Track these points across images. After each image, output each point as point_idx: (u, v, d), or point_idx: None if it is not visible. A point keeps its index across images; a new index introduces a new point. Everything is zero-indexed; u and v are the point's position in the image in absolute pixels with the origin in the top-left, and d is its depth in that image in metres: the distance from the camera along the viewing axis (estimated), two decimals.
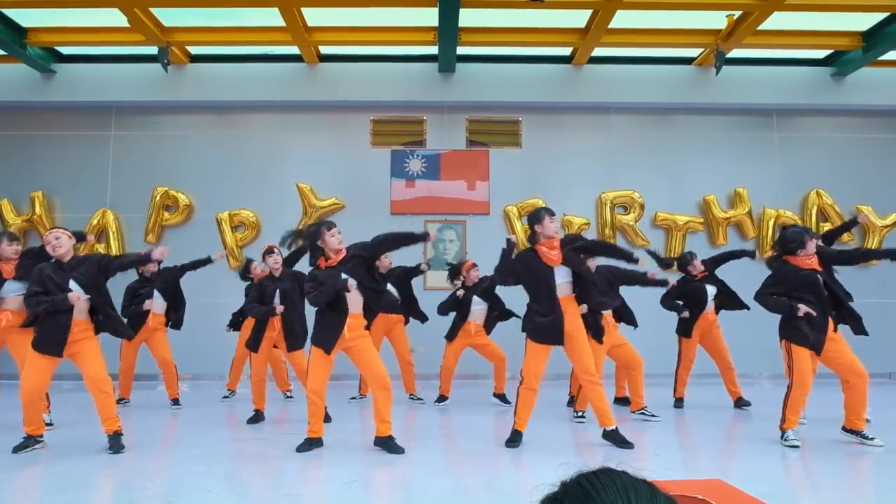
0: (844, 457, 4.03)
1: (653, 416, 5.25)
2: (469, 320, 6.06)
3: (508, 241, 4.53)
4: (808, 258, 4.42)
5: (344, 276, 4.07)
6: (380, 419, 4.11)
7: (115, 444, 4.08)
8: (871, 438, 4.26)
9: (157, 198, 8.39)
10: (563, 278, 4.33)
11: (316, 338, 4.17)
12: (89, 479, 3.55)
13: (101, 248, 8.29)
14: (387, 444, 4.08)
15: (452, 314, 6.19)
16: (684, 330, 5.95)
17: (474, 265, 6.23)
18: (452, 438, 4.80)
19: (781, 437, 4.30)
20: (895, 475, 3.65)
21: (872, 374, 8.84)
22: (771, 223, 8.54)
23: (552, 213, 4.45)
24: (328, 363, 4.20)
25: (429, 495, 3.31)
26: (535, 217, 4.43)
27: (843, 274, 8.69)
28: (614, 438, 4.23)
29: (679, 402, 5.98)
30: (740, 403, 5.87)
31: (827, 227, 8.60)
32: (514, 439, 4.30)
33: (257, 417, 5.31)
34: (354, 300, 4.18)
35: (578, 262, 4.43)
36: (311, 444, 4.21)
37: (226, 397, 6.52)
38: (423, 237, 4.36)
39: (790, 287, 4.36)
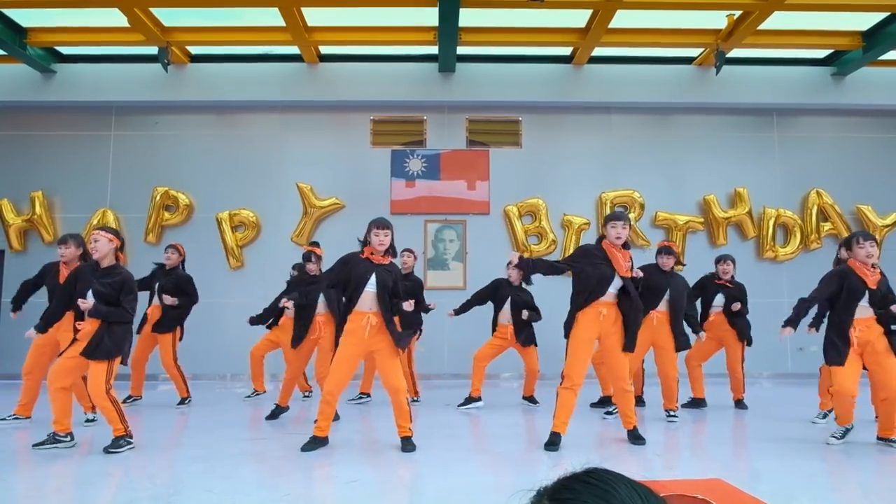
0: (845, 457, 4.03)
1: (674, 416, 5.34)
2: (500, 322, 6.01)
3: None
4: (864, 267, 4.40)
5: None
6: (397, 422, 4.25)
7: (113, 444, 4.10)
8: None
9: (157, 198, 8.40)
10: (617, 285, 4.34)
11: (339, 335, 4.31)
12: (89, 479, 3.55)
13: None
14: (402, 442, 4.22)
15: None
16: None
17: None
18: (453, 438, 4.80)
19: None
20: (895, 475, 3.65)
21: None
22: (771, 223, 8.54)
23: (617, 218, 4.38)
24: (349, 365, 4.21)
25: (429, 495, 3.31)
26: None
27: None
28: (633, 436, 4.39)
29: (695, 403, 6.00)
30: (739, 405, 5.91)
31: (827, 227, 8.62)
32: (554, 441, 4.25)
33: (278, 412, 5.33)
34: (369, 299, 4.23)
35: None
36: (317, 442, 4.22)
37: (250, 396, 6.52)
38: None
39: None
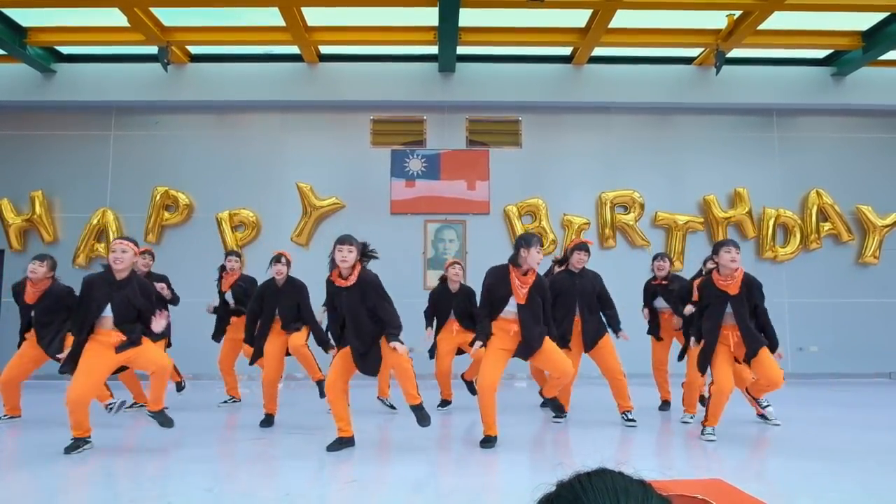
0: (845, 457, 4.03)
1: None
2: (452, 318, 5.84)
3: None
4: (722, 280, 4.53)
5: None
6: (406, 395, 4.28)
7: (162, 420, 4.37)
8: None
9: (157, 197, 8.40)
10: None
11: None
12: (90, 480, 3.55)
13: (101, 248, 8.30)
14: (414, 411, 4.26)
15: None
16: (651, 330, 5.91)
17: (455, 263, 5.93)
18: (453, 439, 4.80)
19: None
20: (894, 475, 3.65)
21: (872, 374, 8.91)
22: (771, 223, 8.54)
23: (540, 244, 4.40)
24: (345, 362, 4.20)
25: (429, 495, 3.32)
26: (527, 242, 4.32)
27: (841, 274, 8.73)
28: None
29: (664, 405, 5.90)
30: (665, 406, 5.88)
31: (827, 227, 8.63)
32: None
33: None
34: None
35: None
36: (342, 443, 4.21)
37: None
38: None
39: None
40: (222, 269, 6.11)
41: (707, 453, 4.26)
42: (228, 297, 6.04)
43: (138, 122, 8.67)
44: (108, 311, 4.09)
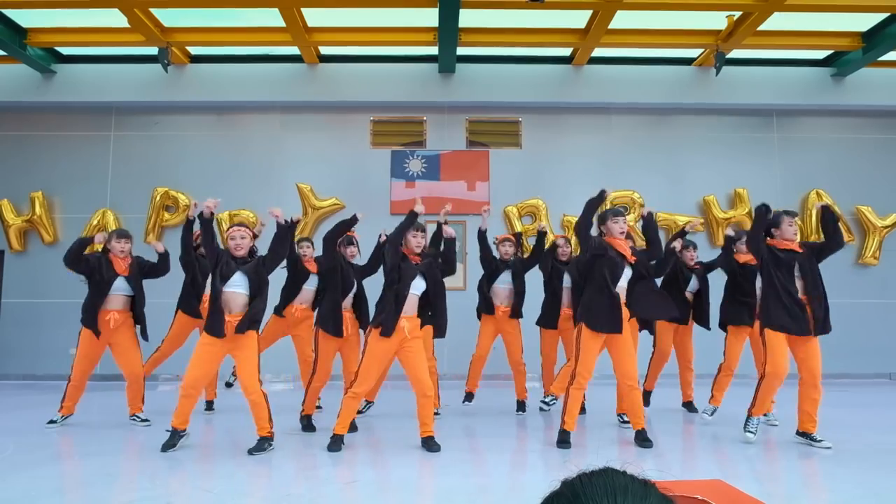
0: (845, 457, 4.03)
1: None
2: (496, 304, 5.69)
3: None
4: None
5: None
6: (421, 422, 4.26)
7: (258, 446, 4.12)
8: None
9: (157, 198, 8.40)
10: (626, 276, 4.53)
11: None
12: (89, 479, 3.55)
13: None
14: (425, 443, 4.22)
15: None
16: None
17: (506, 239, 5.89)
18: (453, 439, 4.80)
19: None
20: (894, 475, 3.65)
21: (872, 374, 8.92)
22: None
23: (618, 214, 4.85)
24: (383, 364, 4.28)
25: (429, 496, 3.32)
26: (602, 218, 4.83)
27: (841, 275, 8.73)
28: (642, 439, 4.38)
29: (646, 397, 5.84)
30: (690, 407, 5.83)
31: None
32: (565, 440, 4.30)
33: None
34: (412, 302, 4.32)
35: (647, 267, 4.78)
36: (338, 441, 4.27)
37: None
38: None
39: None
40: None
41: (707, 453, 4.26)
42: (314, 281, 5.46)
43: (138, 123, 8.67)
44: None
